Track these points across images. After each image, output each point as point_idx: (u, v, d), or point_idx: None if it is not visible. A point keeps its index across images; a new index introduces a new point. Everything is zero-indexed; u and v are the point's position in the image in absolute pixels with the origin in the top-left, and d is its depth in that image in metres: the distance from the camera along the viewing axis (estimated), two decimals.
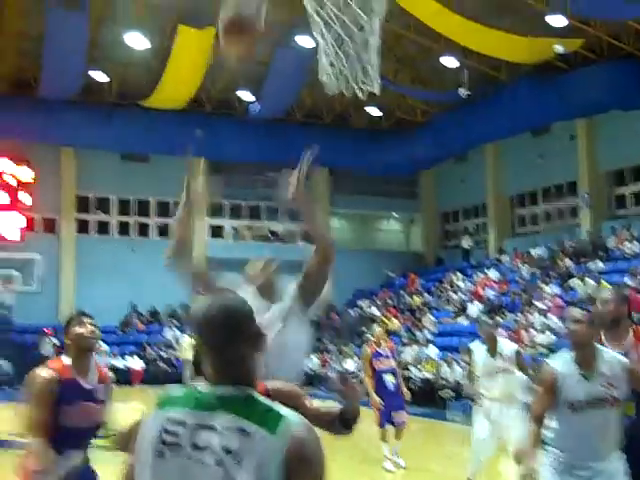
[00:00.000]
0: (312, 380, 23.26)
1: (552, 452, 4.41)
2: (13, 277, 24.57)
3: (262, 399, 2.10)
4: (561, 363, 4.43)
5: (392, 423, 9.82)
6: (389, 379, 9.81)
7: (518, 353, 8.01)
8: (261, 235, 30.93)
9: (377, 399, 9.65)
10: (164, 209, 29.25)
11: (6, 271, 24.42)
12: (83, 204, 28.64)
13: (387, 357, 9.83)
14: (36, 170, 27.24)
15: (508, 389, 7.80)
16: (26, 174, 27.10)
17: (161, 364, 25.51)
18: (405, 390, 10.19)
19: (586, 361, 4.33)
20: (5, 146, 26.22)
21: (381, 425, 9.80)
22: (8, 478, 8.66)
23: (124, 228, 29.21)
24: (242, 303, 2.21)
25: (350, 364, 22.60)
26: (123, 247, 28.34)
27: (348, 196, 30.75)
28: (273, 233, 31.05)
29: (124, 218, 29.20)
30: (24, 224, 26.77)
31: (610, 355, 4.42)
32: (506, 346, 8.02)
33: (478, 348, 8.08)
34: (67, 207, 28.19)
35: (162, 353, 26.09)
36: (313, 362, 24.84)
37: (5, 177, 26.70)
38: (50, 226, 28.25)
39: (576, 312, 4.37)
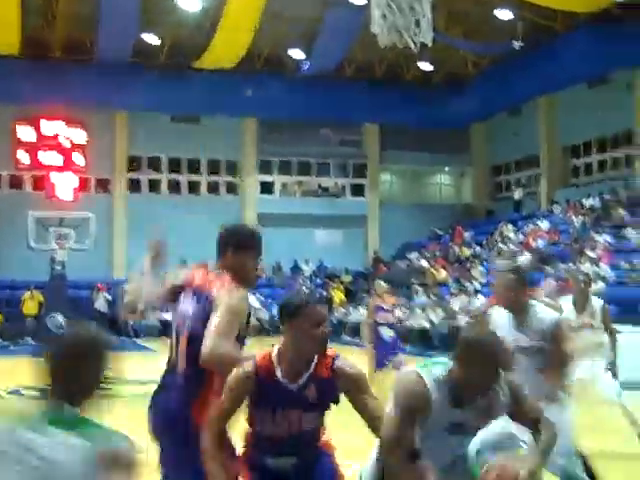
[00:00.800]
0: (358, 331, 23.67)
1: None
2: (68, 235, 25.01)
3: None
4: (498, 312, 4.95)
5: (388, 365, 10.29)
6: (385, 332, 10.31)
7: (605, 308, 7.66)
8: (310, 191, 31.11)
9: (370, 346, 10.31)
10: (214, 167, 29.65)
11: (61, 229, 24.88)
12: (135, 164, 29.03)
13: (388, 311, 10.39)
14: (90, 132, 27.68)
15: (593, 342, 7.47)
16: (80, 136, 27.54)
17: None
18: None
19: (517, 313, 4.79)
20: (61, 110, 26.71)
21: (377, 366, 10.20)
22: None
23: (175, 186, 29.54)
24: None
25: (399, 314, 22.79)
26: (174, 205, 28.69)
27: (398, 151, 30.66)
28: (322, 189, 31.19)
29: (175, 177, 29.53)
30: (77, 184, 27.20)
31: (542, 310, 4.89)
32: (594, 301, 7.66)
33: (565, 303, 7.69)
34: (120, 167, 28.62)
35: None
36: (361, 313, 25.11)
37: (60, 139, 27.17)
38: (104, 186, 28.77)
39: (501, 263, 4.78)
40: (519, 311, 4.83)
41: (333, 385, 3.35)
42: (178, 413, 3.60)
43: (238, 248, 3.80)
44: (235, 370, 3.37)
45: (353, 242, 30.35)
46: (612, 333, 7.64)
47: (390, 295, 11.15)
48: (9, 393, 11.97)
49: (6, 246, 25.64)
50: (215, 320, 3.50)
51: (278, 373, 3.35)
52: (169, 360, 3.81)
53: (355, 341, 22.80)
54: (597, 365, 7.57)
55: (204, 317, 3.59)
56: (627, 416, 7.38)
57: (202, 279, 3.83)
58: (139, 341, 23.12)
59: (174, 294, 3.93)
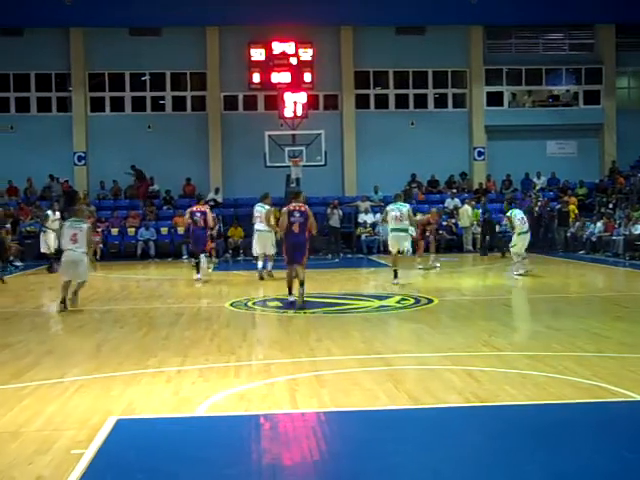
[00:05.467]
0: (596, 245, 22.99)
1: None
2: (300, 153, 25.79)
3: None
4: None
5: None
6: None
7: None
8: (541, 100, 29.94)
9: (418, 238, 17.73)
10: (441, 80, 29.17)
11: (294, 147, 25.69)
12: (361, 80, 29.22)
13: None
14: (317, 50, 28.16)
15: None
16: (307, 54, 28.13)
17: (441, 232, 25.79)
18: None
19: None
20: (290, 29, 27.42)
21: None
22: None
23: (401, 101, 29.46)
24: None
25: (638, 229, 21.77)
26: (401, 119, 28.76)
27: (637, 52, 28.71)
28: (553, 97, 29.92)
29: (401, 91, 29.44)
30: (307, 101, 27.71)
31: None
32: None
33: None
34: (347, 83, 28.97)
35: (442, 222, 26.37)
36: (598, 227, 24.18)
37: (290, 59, 27.91)
38: (332, 103, 29.28)
39: None
40: None
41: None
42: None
43: None
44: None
45: (588, 153, 29.08)
46: None
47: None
48: (254, 304, 12.96)
49: (244, 165, 27.06)
50: None
51: None
52: None
53: (591, 256, 22.12)
54: None
55: None
56: None
57: None
58: (372, 257, 23.78)
59: None
